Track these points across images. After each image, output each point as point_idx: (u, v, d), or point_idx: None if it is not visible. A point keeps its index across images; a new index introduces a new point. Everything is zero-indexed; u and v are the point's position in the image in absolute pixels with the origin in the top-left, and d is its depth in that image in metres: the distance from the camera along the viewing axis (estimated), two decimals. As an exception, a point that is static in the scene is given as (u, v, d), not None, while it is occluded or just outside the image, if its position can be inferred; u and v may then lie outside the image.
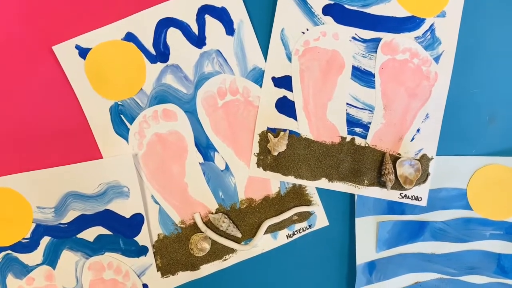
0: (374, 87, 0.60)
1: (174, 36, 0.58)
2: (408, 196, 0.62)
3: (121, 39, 0.58)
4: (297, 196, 0.63)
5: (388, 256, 0.63)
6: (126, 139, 0.60)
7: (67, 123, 0.59)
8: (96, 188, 0.59)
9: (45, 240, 0.59)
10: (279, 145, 0.60)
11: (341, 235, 0.64)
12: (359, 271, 0.63)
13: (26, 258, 0.59)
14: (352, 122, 0.61)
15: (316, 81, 0.60)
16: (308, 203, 0.63)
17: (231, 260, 0.63)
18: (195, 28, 0.59)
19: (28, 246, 0.59)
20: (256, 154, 0.61)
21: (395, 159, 0.61)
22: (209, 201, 0.62)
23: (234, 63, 0.60)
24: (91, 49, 0.57)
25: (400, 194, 0.62)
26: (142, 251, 0.61)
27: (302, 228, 0.63)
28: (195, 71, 0.60)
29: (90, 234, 0.60)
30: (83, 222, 0.59)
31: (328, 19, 0.59)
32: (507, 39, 0.60)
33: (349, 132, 0.61)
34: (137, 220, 0.60)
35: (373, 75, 0.60)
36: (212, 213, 0.62)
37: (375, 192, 0.62)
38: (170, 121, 0.60)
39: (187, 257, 0.62)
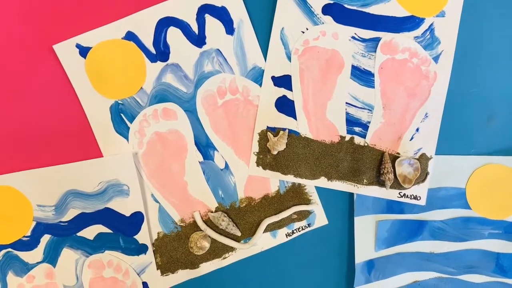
0: (373, 87, 0.61)
1: (174, 35, 0.59)
2: (407, 195, 0.62)
3: (122, 38, 0.58)
4: (297, 195, 0.63)
5: (387, 255, 0.63)
6: (126, 137, 0.60)
7: (67, 121, 0.59)
8: (96, 186, 0.59)
9: (46, 238, 0.59)
10: (279, 144, 0.60)
11: (340, 234, 0.64)
12: (358, 269, 0.63)
13: (27, 256, 0.59)
14: (351, 122, 0.61)
15: (315, 81, 0.61)
16: (308, 202, 0.63)
17: (230, 259, 0.63)
18: (195, 28, 0.59)
19: (28, 244, 0.59)
20: (255, 153, 0.62)
21: (394, 158, 0.61)
22: (209, 199, 0.62)
23: (234, 62, 0.60)
24: (91, 48, 0.57)
25: (399, 193, 0.62)
26: (142, 249, 0.61)
27: (301, 226, 0.64)
28: (195, 70, 0.60)
29: (90, 232, 0.60)
30: (83, 220, 0.59)
31: (328, 19, 0.59)
32: (506, 39, 0.60)
33: (349, 131, 0.62)
34: (137, 219, 0.60)
35: (373, 75, 0.60)
36: (212, 212, 0.62)
37: (374, 191, 0.62)
38: (170, 120, 0.60)
39: (187, 255, 0.62)
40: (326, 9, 0.59)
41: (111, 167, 0.59)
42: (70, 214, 0.59)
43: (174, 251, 0.62)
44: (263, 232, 0.63)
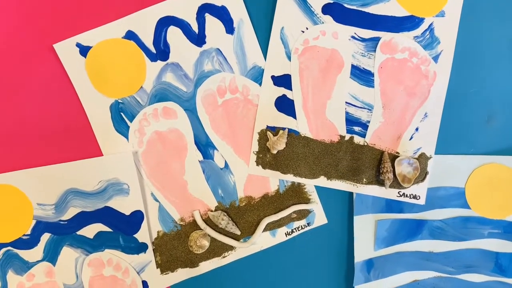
0: (373, 86, 0.61)
1: (174, 35, 0.59)
2: (407, 195, 0.62)
3: (122, 38, 0.58)
4: (296, 194, 0.63)
5: (386, 254, 0.64)
6: (126, 136, 0.60)
7: (67, 120, 0.59)
8: (96, 185, 0.59)
9: (46, 237, 0.59)
10: (278, 144, 0.60)
11: (339, 233, 0.64)
12: (357, 269, 0.63)
13: (27, 255, 0.59)
14: (351, 121, 0.61)
15: (315, 80, 0.61)
16: (307, 201, 0.63)
17: (230, 257, 0.63)
18: (195, 27, 0.59)
19: (28, 242, 0.59)
20: (255, 152, 0.62)
21: (393, 157, 0.61)
22: (209, 198, 0.62)
23: (234, 62, 0.60)
24: (91, 47, 0.58)
25: (398, 192, 0.62)
26: (142, 248, 0.61)
27: (301, 226, 0.64)
28: (195, 70, 0.60)
29: (90, 231, 0.60)
30: (83, 219, 0.60)
31: (328, 18, 0.60)
32: (506, 39, 0.61)
33: (348, 131, 0.62)
34: (137, 217, 0.61)
35: (372, 74, 0.60)
36: (212, 211, 0.62)
37: (373, 190, 0.62)
38: (170, 119, 0.60)
39: (187, 254, 0.62)
40: (326, 9, 0.59)
41: (111, 166, 0.59)
42: (70, 213, 0.59)
43: (174, 249, 0.62)
44: (263, 231, 0.63)
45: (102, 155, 0.59)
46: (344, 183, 0.62)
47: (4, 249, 0.59)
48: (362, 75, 0.61)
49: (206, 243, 0.61)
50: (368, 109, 0.61)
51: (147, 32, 0.58)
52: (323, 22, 0.60)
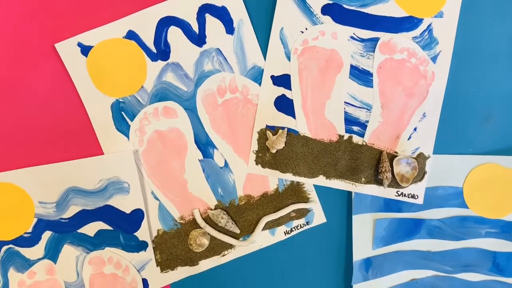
0: (372, 86, 0.61)
1: (174, 35, 0.59)
2: (405, 194, 0.63)
3: (123, 37, 0.58)
4: (295, 193, 0.63)
5: (384, 253, 0.64)
6: (127, 135, 0.60)
7: (69, 119, 0.59)
8: (97, 183, 0.60)
9: (47, 235, 0.60)
10: (278, 143, 0.61)
11: (338, 232, 0.65)
12: (356, 267, 0.63)
13: (28, 252, 0.60)
14: (350, 121, 0.62)
15: (314, 80, 0.61)
16: (306, 200, 0.63)
17: (229, 256, 0.64)
18: (195, 27, 0.59)
19: (29, 240, 0.59)
20: (254, 152, 0.62)
21: (392, 157, 0.62)
22: (208, 197, 0.63)
23: (234, 62, 0.61)
24: (93, 46, 0.58)
25: (396, 192, 0.62)
26: (142, 246, 0.61)
27: (300, 224, 0.64)
28: (195, 69, 0.60)
29: (90, 229, 0.60)
30: (84, 217, 0.60)
31: (327, 19, 0.60)
32: (504, 39, 0.61)
33: (347, 130, 0.62)
34: (137, 216, 0.61)
35: (371, 74, 0.61)
36: (211, 209, 0.63)
37: (372, 189, 0.62)
38: (171, 118, 0.61)
39: (186, 252, 0.62)
40: (325, 9, 0.60)
41: (112, 165, 0.59)
42: (71, 211, 0.60)
43: (173, 248, 0.62)
44: (262, 230, 0.63)
45: (103, 154, 0.60)
46: (343, 182, 0.63)
47: (5, 247, 0.59)
48: (361, 75, 0.61)
49: (205, 242, 0.62)
50: (367, 109, 0.62)
51: (148, 32, 0.59)
52: (322, 23, 0.60)
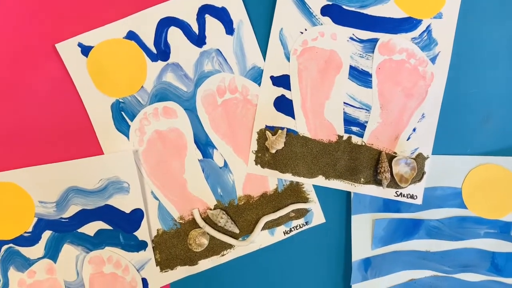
0: (371, 87, 0.61)
1: (174, 35, 0.59)
2: (404, 194, 0.63)
3: (123, 38, 0.59)
4: (294, 193, 0.63)
5: (383, 253, 0.64)
6: (127, 135, 0.61)
7: (69, 119, 0.59)
8: (97, 183, 0.60)
9: (47, 234, 0.60)
10: (277, 143, 0.61)
11: (337, 232, 0.65)
12: (355, 267, 0.64)
13: (28, 252, 0.60)
14: (349, 121, 0.62)
15: (314, 81, 0.61)
16: (305, 200, 0.64)
17: (228, 256, 0.64)
18: (195, 28, 0.60)
19: (30, 240, 0.60)
20: (254, 152, 0.62)
21: (391, 157, 0.62)
22: (208, 197, 0.63)
23: (234, 62, 0.61)
24: (93, 47, 0.58)
25: (395, 192, 0.63)
26: (142, 245, 0.62)
27: (299, 224, 0.64)
28: (195, 70, 0.61)
29: (90, 228, 0.60)
30: (84, 216, 0.60)
31: (326, 20, 0.60)
32: (503, 40, 0.61)
33: (346, 131, 0.62)
34: (137, 216, 0.61)
35: (370, 75, 0.61)
36: (211, 209, 0.63)
37: (371, 190, 0.63)
38: (170, 118, 0.61)
39: (186, 252, 0.63)
40: (325, 10, 0.60)
41: (112, 165, 0.60)
42: (71, 211, 0.60)
43: (173, 247, 0.62)
44: (261, 230, 0.63)
45: (103, 153, 0.60)
46: (342, 183, 0.63)
47: (5, 246, 0.59)
48: (360, 76, 0.61)
49: (205, 241, 0.62)
50: (366, 109, 0.62)
51: (148, 32, 0.59)
52: (321, 24, 0.60)
